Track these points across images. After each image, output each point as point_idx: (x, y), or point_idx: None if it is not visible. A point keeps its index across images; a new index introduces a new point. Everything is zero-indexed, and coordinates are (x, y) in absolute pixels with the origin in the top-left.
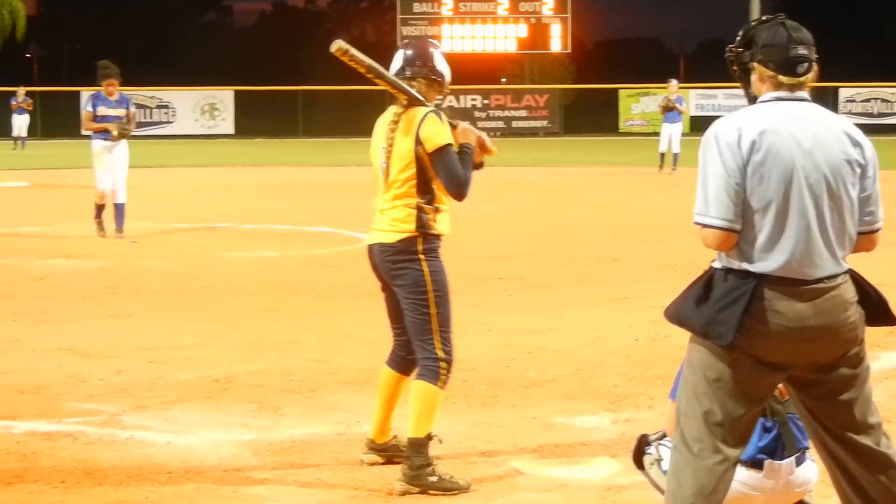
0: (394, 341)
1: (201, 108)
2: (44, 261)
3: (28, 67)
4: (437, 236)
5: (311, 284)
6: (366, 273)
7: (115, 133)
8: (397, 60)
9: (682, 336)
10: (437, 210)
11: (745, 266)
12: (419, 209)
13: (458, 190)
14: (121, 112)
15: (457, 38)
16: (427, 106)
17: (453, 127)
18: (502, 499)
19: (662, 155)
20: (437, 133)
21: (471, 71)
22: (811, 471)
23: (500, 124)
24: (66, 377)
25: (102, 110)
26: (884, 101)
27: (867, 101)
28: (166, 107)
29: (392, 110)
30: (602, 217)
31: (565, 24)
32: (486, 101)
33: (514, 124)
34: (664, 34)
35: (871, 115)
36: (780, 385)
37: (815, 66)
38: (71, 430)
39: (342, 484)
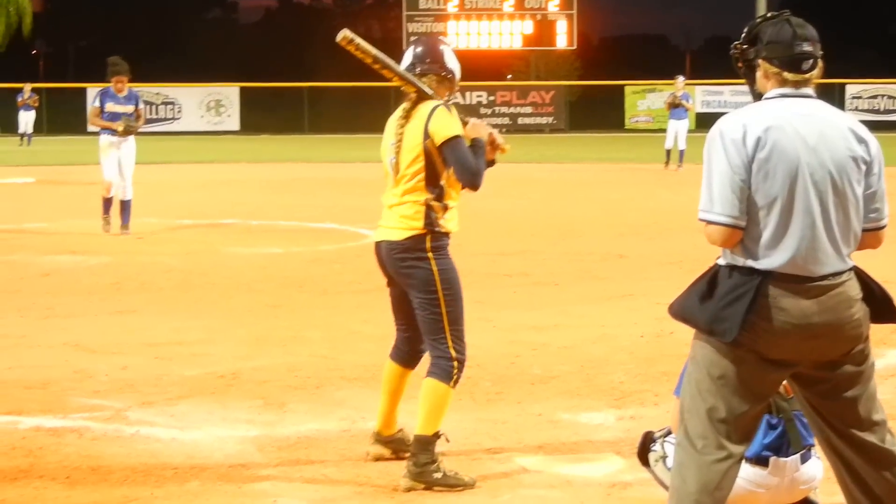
0: (397, 336)
1: (207, 104)
2: (50, 257)
3: (34, 64)
4: (446, 234)
5: (316, 281)
6: (371, 269)
7: (119, 129)
8: (407, 57)
9: (688, 333)
10: (445, 207)
11: (750, 263)
12: (427, 206)
13: (472, 179)
14: (129, 108)
15: (462, 35)
16: (436, 99)
17: (464, 123)
18: (507, 495)
19: (668, 151)
20: (446, 125)
21: (476, 67)
22: (816, 468)
23: (506, 121)
24: (71, 373)
25: (111, 106)
26: (890, 97)
27: (873, 97)
28: (172, 103)
29: (402, 107)
30: (607, 214)
31: (571, 20)
32: (491, 98)
33: (520, 121)
34: (670, 30)
35: (877, 112)
36: (786, 382)
37: (820, 63)
38: (76, 426)
39: (347, 480)
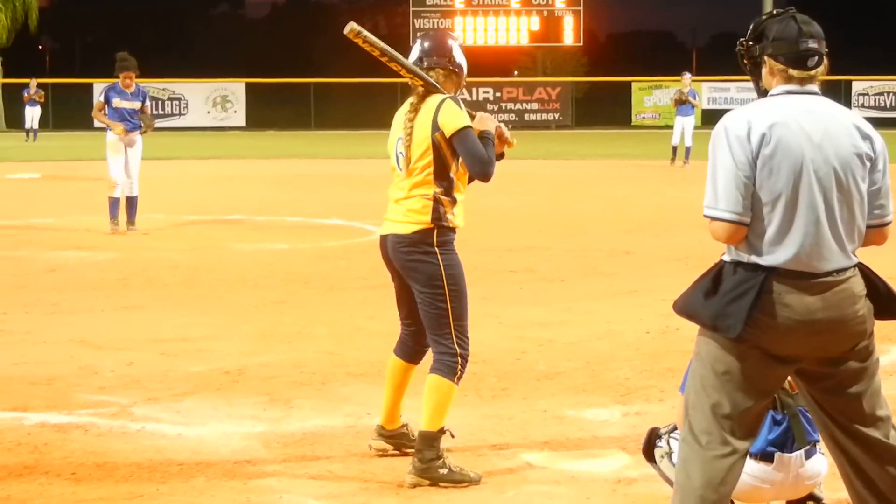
0: (402, 331)
1: (213, 100)
2: (55, 253)
3: (40, 59)
4: (452, 229)
5: (322, 277)
6: (377, 265)
7: (119, 130)
8: (415, 51)
9: (693, 329)
10: (453, 201)
11: (755, 259)
12: (436, 200)
13: (483, 169)
14: (136, 105)
15: (469, 31)
16: (443, 93)
17: (472, 117)
18: (513, 491)
19: (675, 148)
20: (455, 117)
21: (483, 63)
22: (821, 463)
23: (513, 117)
24: (77, 369)
25: (117, 102)
26: None
27: (880, 94)
28: (178, 99)
29: (410, 101)
30: (614, 210)
31: (578, 16)
32: (498, 94)
33: (527, 117)
34: (677, 27)
35: (883, 109)
36: (790, 378)
37: (825, 60)
38: (82, 422)
39: (353, 476)
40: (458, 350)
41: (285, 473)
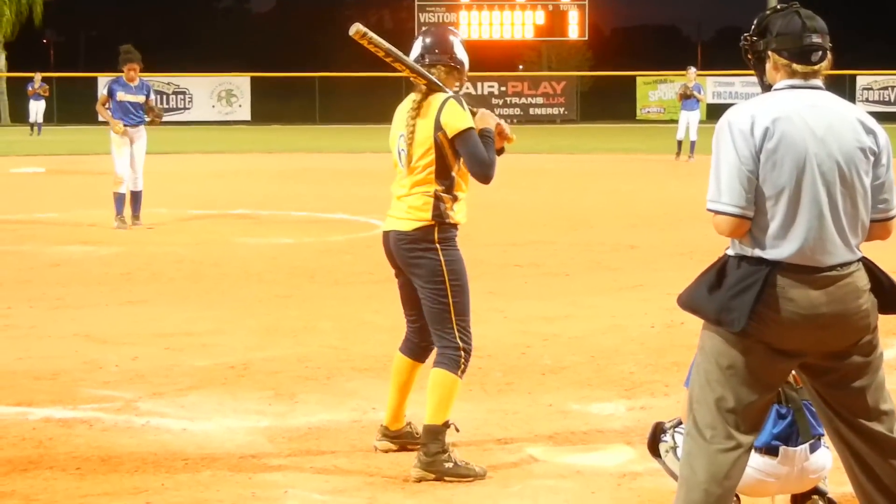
0: (407, 328)
1: (218, 94)
2: (60, 247)
3: (45, 53)
4: (454, 225)
5: (327, 271)
6: (382, 260)
7: (119, 129)
8: (417, 47)
9: (698, 323)
10: (454, 198)
11: (758, 253)
12: (437, 197)
13: (484, 172)
14: (140, 98)
15: (474, 25)
16: (446, 92)
17: (473, 113)
18: (518, 485)
19: (680, 142)
20: (458, 118)
21: (488, 58)
22: (825, 457)
23: (517, 111)
24: (81, 363)
25: (121, 95)
26: None
27: (884, 88)
28: (183, 93)
29: (411, 97)
30: (618, 204)
31: (583, 11)
32: (503, 88)
33: (532, 111)
34: (682, 21)
35: (887, 103)
36: (794, 372)
37: (829, 55)
38: (87, 417)
39: (358, 471)
40: (462, 344)
41: (290, 468)
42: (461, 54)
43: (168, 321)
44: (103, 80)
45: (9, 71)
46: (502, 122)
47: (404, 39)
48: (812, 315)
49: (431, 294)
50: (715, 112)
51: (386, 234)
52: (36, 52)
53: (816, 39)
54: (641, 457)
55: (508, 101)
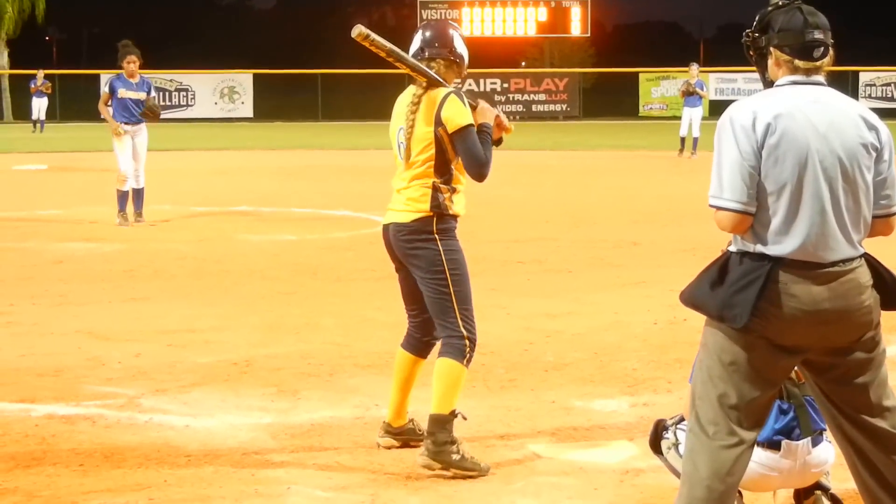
0: (409, 323)
1: (220, 91)
2: (63, 244)
3: (47, 50)
4: (453, 217)
5: (330, 268)
6: (384, 256)
7: (118, 130)
8: (416, 41)
9: (701, 320)
10: (453, 190)
11: (761, 249)
12: (435, 189)
13: (479, 170)
14: (141, 95)
15: (477, 22)
16: (447, 87)
17: (472, 108)
18: (521, 482)
19: (683, 139)
20: (459, 114)
21: (491, 54)
22: (828, 451)
23: (520, 108)
24: (84, 360)
25: (123, 92)
26: None
27: (886, 85)
28: (185, 90)
29: (411, 91)
30: (621, 201)
31: (585, 7)
32: (505, 85)
33: (534, 108)
34: (684, 18)
35: (890, 100)
36: (797, 368)
37: (831, 51)
38: (90, 414)
39: (361, 467)
40: (466, 333)
41: (293, 464)
42: (461, 48)
43: (171, 318)
44: (105, 78)
45: (11, 68)
46: (501, 114)
47: (407, 36)
48: (814, 311)
49: (432, 284)
50: (717, 108)
51: (385, 227)
52: (38, 49)
53: (818, 35)
54: (644, 453)
55: (511, 98)
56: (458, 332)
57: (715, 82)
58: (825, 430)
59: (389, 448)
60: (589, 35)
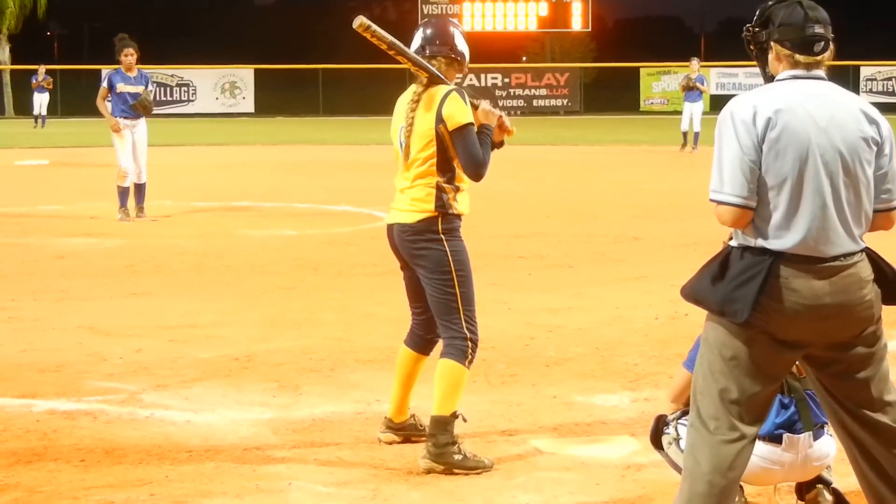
0: (412, 320)
1: (222, 86)
2: (64, 239)
3: (48, 46)
4: (457, 216)
5: (331, 263)
6: (386, 251)
7: (114, 126)
8: (417, 39)
9: (702, 315)
10: (457, 189)
11: (762, 243)
12: (439, 188)
13: (476, 171)
14: (139, 89)
15: (478, 17)
16: (448, 84)
17: (474, 107)
18: (522, 477)
19: (685, 134)
20: (459, 112)
21: (491, 50)
22: (829, 445)
23: (521, 103)
24: (85, 356)
25: (121, 87)
26: None
27: (888, 79)
28: (187, 85)
29: (412, 89)
30: (622, 196)
31: (586, 2)
32: (506, 80)
33: (535, 103)
34: (685, 12)
35: (891, 94)
36: (798, 362)
37: (831, 45)
38: (91, 409)
39: (362, 462)
40: (468, 334)
41: (294, 460)
42: (462, 46)
43: (172, 313)
44: (106, 73)
45: (13, 63)
46: (504, 115)
47: (408, 32)
48: (815, 305)
49: (437, 285)
50: (718, 103)
51: (390, 227)
52: (40, 44)
53: (819, 30)
54: (645, 448)
55: (512, 93)
56: (461, 332)
57: (716, 77)
58: (826, 423)
59: (391, 443)
60: (590, 30)
